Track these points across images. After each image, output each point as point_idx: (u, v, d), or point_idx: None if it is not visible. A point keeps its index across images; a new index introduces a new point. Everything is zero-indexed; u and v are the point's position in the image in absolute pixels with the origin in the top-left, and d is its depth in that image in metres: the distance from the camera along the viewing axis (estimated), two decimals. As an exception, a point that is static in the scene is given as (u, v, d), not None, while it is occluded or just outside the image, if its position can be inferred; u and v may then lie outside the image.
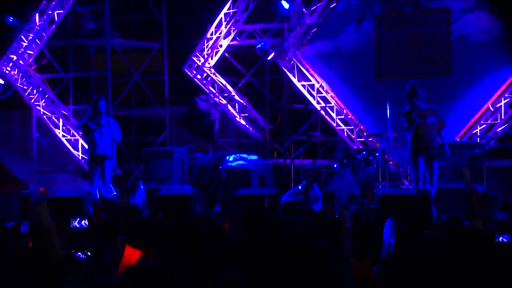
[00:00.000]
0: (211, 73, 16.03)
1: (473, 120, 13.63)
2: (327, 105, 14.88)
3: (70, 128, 15.57)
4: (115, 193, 12.03)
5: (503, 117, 13.42)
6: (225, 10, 15.77)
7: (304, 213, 9.85)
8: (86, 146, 13.63)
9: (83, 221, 8.51)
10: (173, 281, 3.50)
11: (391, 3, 14.38)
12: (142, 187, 13.11)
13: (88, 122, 11.96)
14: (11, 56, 15.67)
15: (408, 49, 14.18)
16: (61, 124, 15.66)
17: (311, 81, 15.02)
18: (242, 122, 15.89)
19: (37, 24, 15.66)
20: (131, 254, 4.98)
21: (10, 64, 15.66)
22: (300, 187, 11.81)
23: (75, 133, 15.48)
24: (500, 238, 6.20)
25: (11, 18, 15.43)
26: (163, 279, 3.41)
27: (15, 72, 15.71)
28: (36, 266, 5.03)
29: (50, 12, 15.61)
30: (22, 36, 15.64)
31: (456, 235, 4.71)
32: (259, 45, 15.27)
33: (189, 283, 4.34)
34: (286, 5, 14.90)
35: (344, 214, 5.54)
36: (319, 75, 15.00)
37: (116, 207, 11.65)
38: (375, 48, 14.45)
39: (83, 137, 12.26)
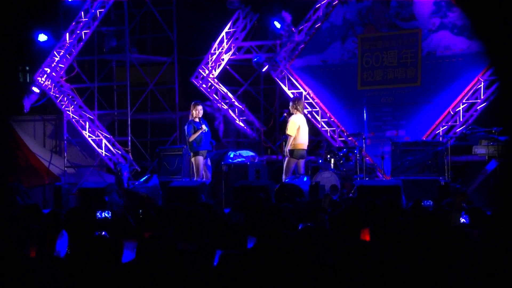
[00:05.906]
0: (214, 83, 16.07)
1: (437, 122, 13.70)
2: (313, 109, 14.92)
3: (95, 130, 15.58)
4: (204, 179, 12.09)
5: (461, 120, 13.49)
6: (226, 29, 15.82)
7: (293, 201, 9.93)
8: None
9: (104, 213, 8.37)
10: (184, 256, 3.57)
11: (371, 24, 14.44)
12: (156, 179, 13.13)
13: (196, 126, 12.12)
14: (46, 69, 15.67)
15: (386, 63, 14.26)
16: (87, 126, 15.66)
17: (299, 89, 15.07)
18: (241, 124, 15.93)
19: (68, 42, 15.66)
20: None
21: (45, 76, 15.66)
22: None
23: (99, 134, 15.50)
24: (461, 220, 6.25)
25: (46, 36, 15.43)
26: (175, 254, 3.48)
27: (49, 83, 15.71)
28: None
29: (78, 32, 15.62)
30: (54, 52, 15.64)
31: (420, 219, 4.77)
32: (255, 59, 15.31)
33: (196, 259, 4.40)
34: (278, 25, 14.96)
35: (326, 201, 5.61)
36: (306, 84, 15.04)
37: (135, 196, 11.77)
38: (358, 62, 14.52)
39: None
